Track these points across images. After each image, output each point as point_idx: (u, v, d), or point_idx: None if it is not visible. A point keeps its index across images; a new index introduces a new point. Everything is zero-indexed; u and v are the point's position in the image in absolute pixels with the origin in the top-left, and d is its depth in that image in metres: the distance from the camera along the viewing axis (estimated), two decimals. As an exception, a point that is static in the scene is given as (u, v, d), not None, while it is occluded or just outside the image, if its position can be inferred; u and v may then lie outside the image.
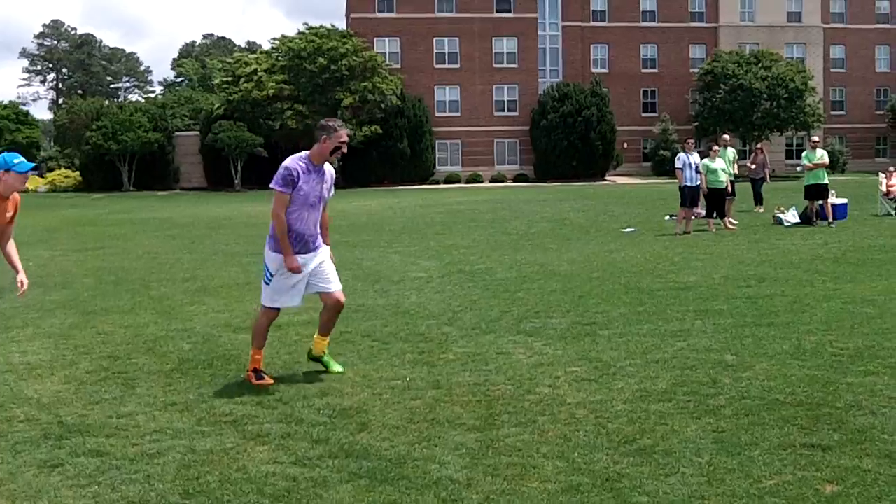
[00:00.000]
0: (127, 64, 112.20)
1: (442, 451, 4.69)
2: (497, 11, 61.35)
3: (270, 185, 6.25)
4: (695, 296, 9.52)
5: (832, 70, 67.08)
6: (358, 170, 56.79)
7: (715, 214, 18.42)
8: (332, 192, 6.44)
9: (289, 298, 6.35)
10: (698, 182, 18.02)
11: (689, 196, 17.86)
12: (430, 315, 8.74)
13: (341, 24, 62.58)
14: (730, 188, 19.07)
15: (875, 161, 63.43)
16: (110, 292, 11.02)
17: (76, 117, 57.07)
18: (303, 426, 5.20)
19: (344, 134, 6.24)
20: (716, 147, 19.12)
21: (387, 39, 60.28)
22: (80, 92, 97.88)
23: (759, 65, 59.09)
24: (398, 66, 59.01)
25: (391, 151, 55.64)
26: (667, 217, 21.34)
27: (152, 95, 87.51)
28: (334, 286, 6.40)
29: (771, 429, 4.88)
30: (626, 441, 4.77)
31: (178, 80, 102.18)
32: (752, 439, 4.71)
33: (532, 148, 60.00)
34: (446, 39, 61.01)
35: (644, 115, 64.30)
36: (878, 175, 23.41)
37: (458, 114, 61.23)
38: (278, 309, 6.44)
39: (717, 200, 18.47)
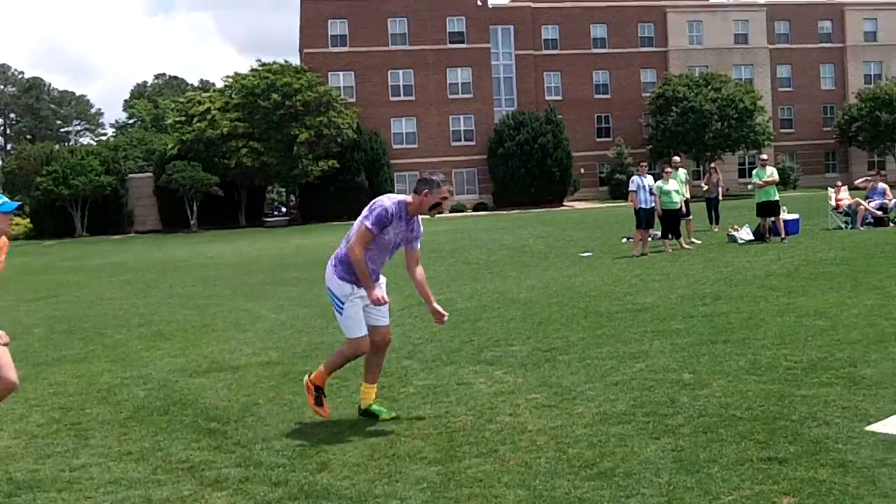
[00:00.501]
0: (77, 107, 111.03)
1: (403, 487, 4.65)
2: (450, 43, 61.94)
3: (361, 219, 5.94)
4: (652, 316, 9.59)
5: (780, 89, 68.60)
6: (316, 205, 56.75)
7: (670, 235, 18.62)
8: (420, 244, 6.19)
9: (363, 325, 6.07)
10: (653, 204, 18.24)
11: (644, 218, 18.07)
12: (391, 349, 8.65)
13: (295, 60, 62.84)
14: (684, 209, 19.33)
15: (825, 176, 64.77)
16: (62, 341, 10.82)
17: (25, 163, 56.43)
18: (262, 469, 5.13)
19: (446, 190, 5.97)
20: (668, 169, 19.38)
21: (341, 73, 60.52)
22: (28, 137, 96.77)
23: (709, 87, 60.25)
24: (353, 100, 59.25)
25: (349, 185, 55.65)
26: (623, 240, 21.54)
27: (104, 138, 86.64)
28: (386, 320, 6.22)
29: (728, 445, 4.91)
30: (586, 465, 4.77)
31: (131, 121, 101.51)
32: (711, 456, 4.74)
33: (490, 176, 60.44)
34: (401, 72, 61.42)
35: (599, 139, 65.16)
36: (827, 190, 23.86)
37: (416, 145, 61.53)
38: (366, 335, 6.09)
39: (672, 221, 18.69)
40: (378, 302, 5.89)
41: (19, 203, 5.88)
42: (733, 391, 6.08)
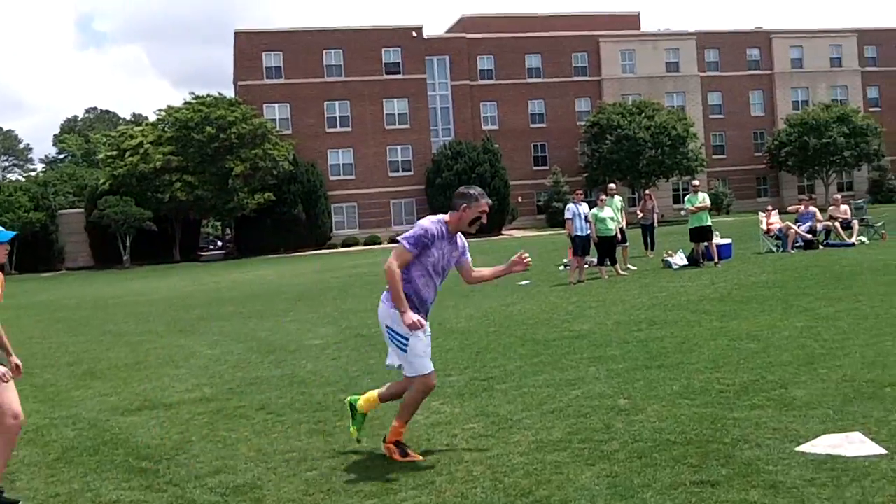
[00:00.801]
0: (5, 142, 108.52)
1: (338, 522, 4.58)
2: (386, 74, 62.25)
3: (399, 239, 5.72)
4: (589, 343, 9.67)
5: (711, 116, 70.33)
6: (252, 238, 56.26)
7: (606, 262, 18.85)
8: (468, 256, 6.00)
9: (429, 359, 5.76)
10: (588, 231, 18.46)
11: (580, 245, 18.26)
12: (327, 383, 8.62)
13: (230, 92, 62.38)
14: (619, 236, 19.60)
15: (757, 201, 66.46)
16: (-10, 382, 10.47)
17: (-49, 200, 54.93)
18: (193, 508, 5.02)
19: (485, 204, 5.79)
20: (602, 196, 19.65)
21: (276, 105, 60.33)
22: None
23: (643, 114, 61.51)
24: (289, 132, 59.10)
25: (286, 218, 55.33)
26: (560, 267, 21.73)
27: (33, 173, 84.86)
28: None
29: (663, 469, 4.95)
30: (522, 494, 4.77)
31: (61, 156, 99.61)
32: (645, 481, 4.77)
33: (429, 206, 60.53)
34: (337, 103, 61.46)
35: (536, 168, 65.91)
36: (758, 214, 24.42)
37: (353, 176, 61.50)
38: (433, 371, 5.81)
39: (608, 248, 18.92)
40: (414, 326, 5.57)
41: (15, 233, 5.71)
42: (667, 416, 6.14)
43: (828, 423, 5.65)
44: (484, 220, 5.83)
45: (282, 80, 60.63)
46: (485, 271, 6.12)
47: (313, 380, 8.85)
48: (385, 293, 5.80)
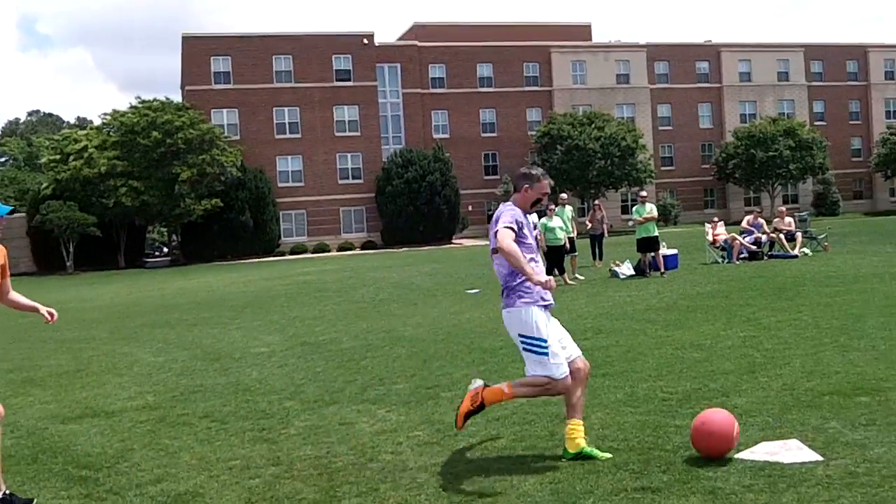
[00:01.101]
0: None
1: (280, 530, 4.55)
2: (337, 80, 62.01)
3: (496, 227, 5.42)
4: (535, 351, 9.71)
5: (660, 128, 71.28)
6: (199, 245, 55.56)
7: (555, 271, 18.97)
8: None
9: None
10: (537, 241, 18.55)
11: (528, 254, 18.34)
12: (272, 390, 8.55)
13: (177, 97, 61.65)
14: (568, 245, 19.76)
15: (704, 212, 67.51)
16: (-76, 390, 10.20)
17: None
18: (133, 517, 4.94)
19: (546, 185, 5.65)
20: (552, 206, 19.79)
21: (224, 111, 59.72)
22: None
23: (593, 125, 62.13)
24: (237, 138, 58.53)
25: (233, 224, 54.76)
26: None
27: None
28: (578, 349, 5.66)
29: (605, 476, 5.00)
30: (466, 501, 4.78)
31: (2, 159, 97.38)
32: (587, 487, 4.81)
33: (379, 214, 60.49)
34: (286, 109, 61.04)
35: (486, 177, 66.13)
36: (705, 226, 24.82)
37: (302, 183, 61.10)
38: (568, 374, 5.45)
39: (556, 257, 19.06)
40: (547, 285, 5.31)
41: (12, 208, 5.61)
42: (611, 423, 6.21)
43: (767, 430, 5.76)
44: (545, 201, 5.74)
45: (230, 86, 60.08)
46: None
47: (258, 388, 8.77)
48: (502, 300, 5.57)
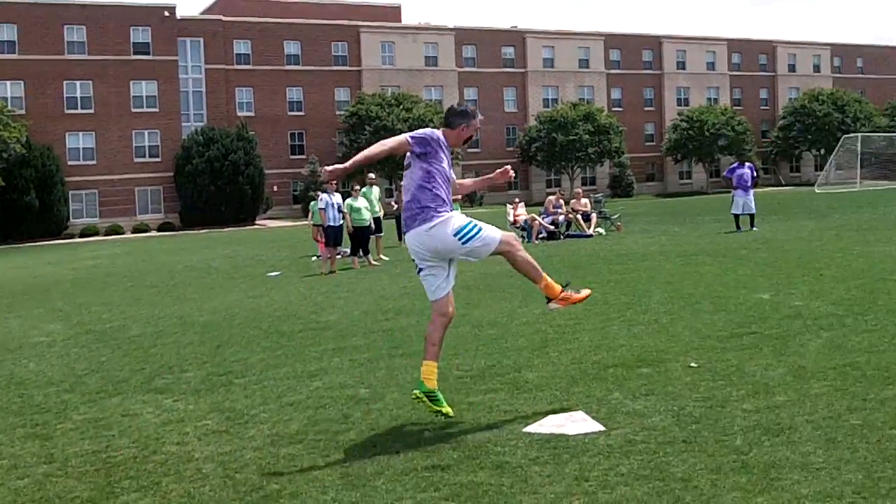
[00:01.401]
0: None
1: (46, 534, 4.20)
2: (135, 54, 59.10)
3: (404, 135, 5.55)
4: (334, 333, 9.60)
5: (466, 111, 72.58)
6: (-20, 227, 51.53)
7: (360, 252, 18.90)
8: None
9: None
10: (341, 221, 18.42)
11: (332, 236, 18.19)
12: (50, 383, 7.96)
13: (-47, 68, 56.67)
14: (374, 226, 19.72)
15: (507, 193, 69.27)
16: None
17: None
18: None
19: (478, 122, 5.81)
20: (357, 187, 19.69)
21: (8, 83, 55.63)
22: None
23: (401, 106, 62.48)
24: (23, 112, 54.57)
25: (16, 205, 51.21)
26: (313, 258, 21.58)
27: None
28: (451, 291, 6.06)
29: (396, 456, 4.96)
30: (253, 489, 4.60)
31: None
32: (378, 469, 4.75)
33: (178, 195, 58.26)
34: (78, 83, 57.59)
35: (293, 157, 65.14)
36: (506, 206, 25.51)
37: (94, 162, 57.88)
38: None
39: (361, 238, 18.99)
40: (334, 172, 5.57)
41: None
42: (406, 403, 6.18)
43: (555, 403, 5.91)
44: (475, 137, 5.96)
45: (15, 56, 55.94)
46: (466, 181, 6.38)
47: (34, 380, 8.14)
48: (415, 222, 5.69)
